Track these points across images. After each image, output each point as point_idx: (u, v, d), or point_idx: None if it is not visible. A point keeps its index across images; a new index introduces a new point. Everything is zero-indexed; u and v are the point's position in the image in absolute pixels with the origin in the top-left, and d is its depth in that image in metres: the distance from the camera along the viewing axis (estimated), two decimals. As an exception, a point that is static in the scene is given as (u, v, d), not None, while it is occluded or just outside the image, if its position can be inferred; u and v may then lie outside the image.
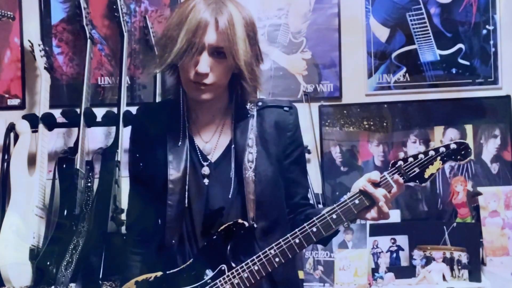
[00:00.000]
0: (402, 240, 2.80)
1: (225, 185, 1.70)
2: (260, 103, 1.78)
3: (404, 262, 2.79)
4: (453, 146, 1.65)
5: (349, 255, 2.68)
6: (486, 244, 2.78)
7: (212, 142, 1.75)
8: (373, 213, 1.65)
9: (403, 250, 2.80)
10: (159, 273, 1.67)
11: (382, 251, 2.78)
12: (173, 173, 1.69)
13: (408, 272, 2.76)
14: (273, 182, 1.73)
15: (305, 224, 1.63)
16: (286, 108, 1.78)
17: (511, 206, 2.81)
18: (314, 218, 1.63)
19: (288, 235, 1.63)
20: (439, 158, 1.64)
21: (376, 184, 1.63)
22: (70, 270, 2.50)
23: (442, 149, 1.65)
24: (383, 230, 2.76)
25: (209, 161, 1.73)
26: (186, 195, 1.69)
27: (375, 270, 2.74)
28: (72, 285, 2.47)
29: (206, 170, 1.72)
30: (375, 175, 1.64)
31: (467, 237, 2.74)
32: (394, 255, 2.79)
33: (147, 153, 1.76)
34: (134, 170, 1.83)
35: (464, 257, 2.71)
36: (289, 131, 1.77)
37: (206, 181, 1.72)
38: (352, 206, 1.63)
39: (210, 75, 1.64)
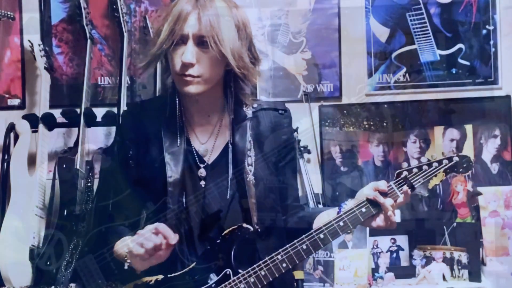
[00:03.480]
0: (402, 240, 2.80)
1: (222, 187, 1.69)
2: (255, 105, 1.76)
3: (404, 262, 2.79)
4: (456, 159, 1.67)
5: (349, 255, 2.68)
6: (486, 244, 2.77)
7: (209, 143, 1.73)
8: (378, 221, 1.67)
9: (403, 250, 2.80)
10: (159, 276, 1.64)
11: (382, 251, 2.78)
12: (172, 175, 1.66)
13: (408, 272, 2.76)
14: (270, 185, 1.72)
15: (312, 231, 1.63)
16: (281, 111, 1.78)
17: (511, 206, 2.81)
18: (321, 225, 1.63)
19: (295, 241, 1.62)
20: (442, 170, 1.66)
21: (383, 193, 1.64)
22: (70, 270, 2.50)
23: (445, 161, 1.67)
24: (383, 230, 2.73)
25: (205, 163, 1.71)
26: (184, 197, 1.67)
27: (375, 270, 2.74)
28: (72, 285, 2.47)
29: (202, 172, 1.70)
30: (383, 185, 1.65)
31: (467, 237, 2.74)
32: (394, 255, 2.79)
33: (140, 151, 1.72)
34: (123, 168, 1.75)
35: (464, 257, 2.71)
36: (284, 134, 1.78)
37: (202, 183, 1.70)
38: (359, 214, 1.64)
39: (197, 66, 1.62)
